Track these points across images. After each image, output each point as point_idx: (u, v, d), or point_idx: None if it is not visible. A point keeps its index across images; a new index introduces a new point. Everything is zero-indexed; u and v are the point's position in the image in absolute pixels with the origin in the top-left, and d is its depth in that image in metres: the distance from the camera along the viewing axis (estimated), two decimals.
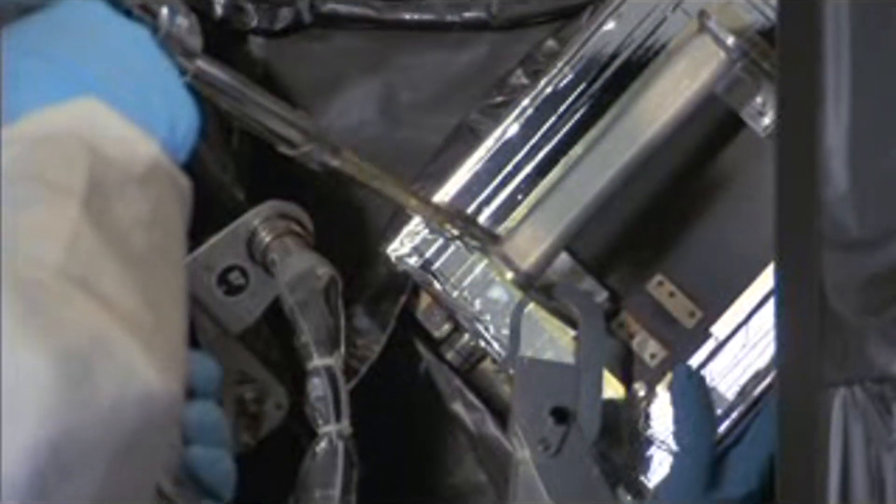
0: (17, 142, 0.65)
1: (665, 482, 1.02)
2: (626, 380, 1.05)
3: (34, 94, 0.68)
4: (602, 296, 1.05)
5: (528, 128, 1.07)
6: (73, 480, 0.57)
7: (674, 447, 1.02)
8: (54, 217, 0.62)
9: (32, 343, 0.56)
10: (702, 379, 1.03)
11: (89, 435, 0.57)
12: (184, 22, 0.75)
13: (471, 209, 1.07)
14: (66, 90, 0.69)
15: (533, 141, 1.07)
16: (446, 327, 1.10)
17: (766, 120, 1.04)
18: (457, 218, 1.01)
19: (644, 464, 1.03)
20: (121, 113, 0.69)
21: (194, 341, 0.97)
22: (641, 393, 1.04)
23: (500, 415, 1.11)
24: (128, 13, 0.73)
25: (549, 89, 1.07)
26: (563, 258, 1.05)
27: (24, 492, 0.55)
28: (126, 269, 0.63)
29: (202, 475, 0.81)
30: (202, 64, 0.78)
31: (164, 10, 0.74)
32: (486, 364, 1.12)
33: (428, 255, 1.08)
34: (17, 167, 0.64)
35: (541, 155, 1.07)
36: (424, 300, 1.11)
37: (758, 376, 1.03)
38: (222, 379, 0.88)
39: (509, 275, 1.00)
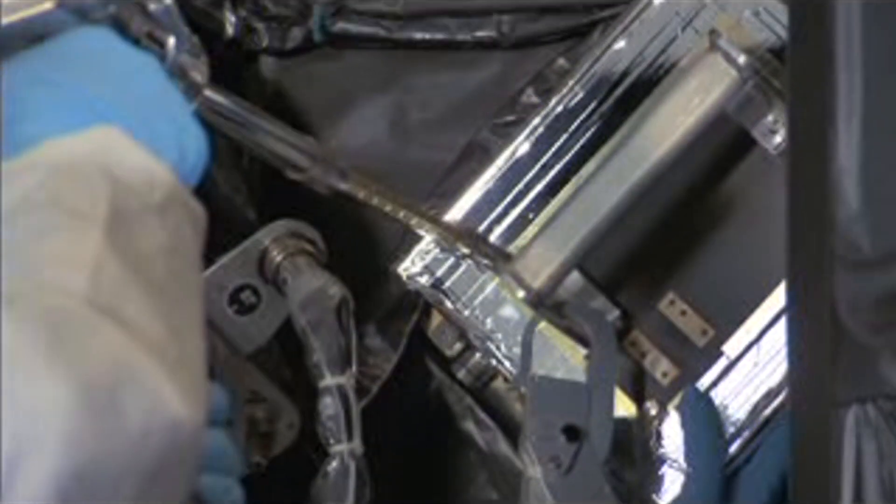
0: (36, 170, 0.65)
1: (676, 502, 1.02)
2: (638, 398, 1.05)
3: (44, 123, 0.68)
4: (613, 314, 1.05)
5: (539, 146, 1.08)
6: None
7: (685, 466, 1.02)
8: (77, 245, 0.62)
9: (58, 372, 0.56)
10: (711, 401, 1.03)
11: (116, 463, 0.57)
12: (190, 51, 0.75)
13: (482, 228, 1.07)
14: (75, 118, 0.68)
15: (544, 159, 1.07)
16: (458, 346, 1.11)
17: (778, 138, 1.04)
18: (468, 236, 1.01)
19: (655, 482, 1.03)
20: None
21: None
22: (653, 411, 1.04)
23: (512, 433, 1.11)
24: (135, 42, 0.74)
25: (559, 108, 1.08)
26: (575, 277, 1.05)
27: None
28: (149, 297, 0.62)
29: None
30: (209, 93, 0.78)
31: (172, 40, 0.74)
32: (498, 382, 1.12)
33: (439, 273, 1.08)
34: (37, 195, 0.63)
35: (552, 173, 1.07)
36: (436, 319, 1.11)
37: (769, 395, 1.03)
38: (232, 405, 0.88)
39: (520, 293, 1.00)
